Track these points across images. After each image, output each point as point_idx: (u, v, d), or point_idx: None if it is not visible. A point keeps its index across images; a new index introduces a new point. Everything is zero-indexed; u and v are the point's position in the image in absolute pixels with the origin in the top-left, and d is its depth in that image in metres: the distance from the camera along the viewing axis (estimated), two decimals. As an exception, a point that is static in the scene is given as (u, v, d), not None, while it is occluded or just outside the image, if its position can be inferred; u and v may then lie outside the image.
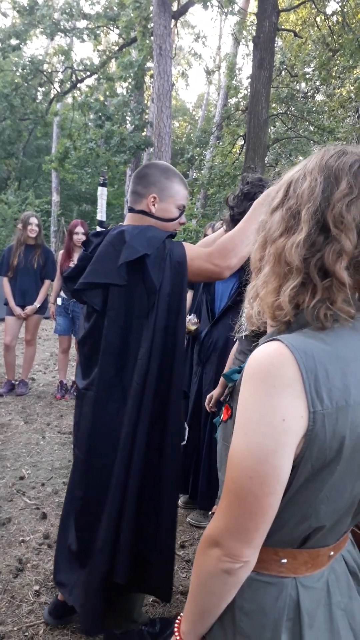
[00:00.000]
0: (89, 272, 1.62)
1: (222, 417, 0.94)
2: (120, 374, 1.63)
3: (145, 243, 1.58)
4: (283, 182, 0.83)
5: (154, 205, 1.73)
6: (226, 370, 2.60)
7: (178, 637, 0.89)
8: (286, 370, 0.71)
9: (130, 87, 9.88)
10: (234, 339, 2.51)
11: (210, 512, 1.04)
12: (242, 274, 2.73)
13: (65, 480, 3.13)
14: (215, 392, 2.61)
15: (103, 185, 3.73)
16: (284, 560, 0.82)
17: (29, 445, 3.65)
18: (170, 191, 1.74)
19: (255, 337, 2.32)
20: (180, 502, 2.99)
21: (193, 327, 2.83)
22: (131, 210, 1.79)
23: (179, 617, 0.91)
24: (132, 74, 9.06)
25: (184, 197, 1.79)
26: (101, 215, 3.75)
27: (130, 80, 9.28)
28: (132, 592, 1.81)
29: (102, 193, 3.73)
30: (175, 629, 0.90)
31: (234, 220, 1.83)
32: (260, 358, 0.73)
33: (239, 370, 0.96)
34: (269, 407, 0.70)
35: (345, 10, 8.88)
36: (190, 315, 2.69)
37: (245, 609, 0.82)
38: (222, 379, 2.62)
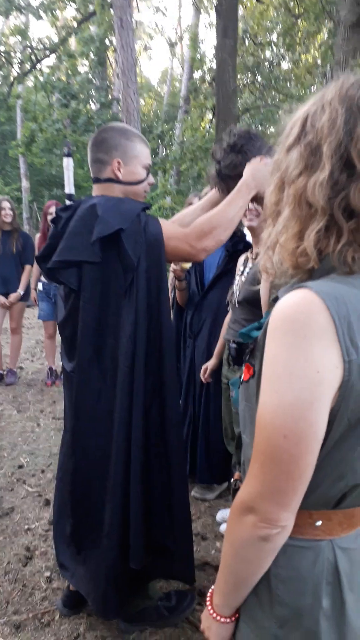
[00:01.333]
0: (61, 249, 1.53)
1: (242, 377, 0.89)
2: (98, 355, 1.57)
3: (119, 217, 1.49)
4: (297, 117, 0.76)
5: (119, 170, 1.63)
6: (219, 343, 2.57)
7: (211, 611, 0.85)
8: (317, 318, 0.65)
9: (92, 63, 9.57)
10: (227, 308, 2.48)
11: (232, 480, 0.99)
12: (230, 243, 2.69)
13: (65, 465, 3.10)
14: (209, 364, 2.58)
15: (68, 155, 3.51)
16: (319, 523, 0.78)
17: (25, 433, 3.60)
18: (134, 151, 1.65)
19: (250, 305, 2.30)
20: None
21: (188, 266, 2.76)
22: (97, 180, 1.68)
23: (210, 591, 0.88)
24: (93, 50, 8.76)
25: (148, 155, 1.70)
26: (69, 188, 3.54)
27: (92, 56, 8.97)
28: (153, 579, 1.79)
29: (68, 164, 3.51)
30: (208, 602, 0.87)
31: (220, 175, 1.75)
32: (287, 308, 0.68)
33: (258, 327, 0.92)
34: (300, 360, 0.65)
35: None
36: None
37: (281, 576, 0.78)
38: (217, 350, 2.59)
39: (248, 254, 2.36)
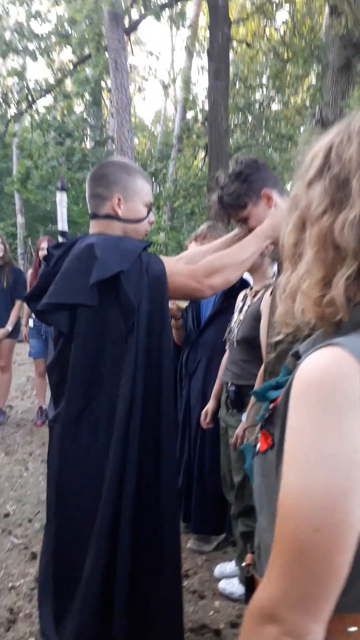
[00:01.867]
0: (53, 291, 1.44)
1: (258, 446, 0.76)
2: (90, 406, 1.45)
3: (119, 257, 1.41)
4: (319, 148, 0.67)
5: (119, 206, 1.57)
6: (216, 385, 2.46)
7: None
8: (352, 384, 0.56)
9: (88, 103, 9.77)
10: (225, 347, 2.38)
11: (244, 564, 0.84)
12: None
13: (54, 514, 2.92)
14: (209, 407, 2.45)
15: (62, 189, 3.42)
16: (353, 629, 0.64)
17: (12, 478, 3.42)
18: (135, 188, 1.59)
19: (248, 345, 2.20)
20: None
21: (184, 305, 2.68)
22: (94, 216, 1.61)
23: None
24: (88, 90, 8.97)
25: (149, 192, 1.65)
26: (62, 225, 3.44)
27: (87, 96, 9.15)
28: None
29: (62, 200, 3.42)
30: None
31: (221, 203, 1.68)
32: (315, 370, 0.58)
33: (276, 386, 0.80)
34: (333, 436, 0.55)
35: (295, 18, 9.05)
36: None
37: None
38: (214, 392, 2.47)
39: (247, 290, 2.29)
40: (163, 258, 1.54)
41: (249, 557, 0.82)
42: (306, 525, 0.56)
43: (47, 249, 1.60)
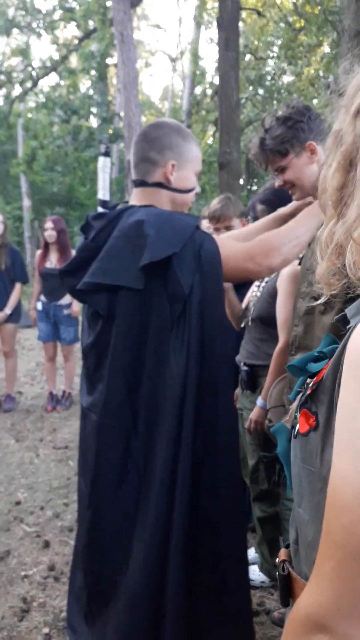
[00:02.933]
0: (96, 270, 1.31)
1: (297, 428, 0.66)
2: (131, 396, 1.33)
3: (171, 237, 1.27)
4: None
5: (172, 174, 1.42)
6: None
7: None
8: None
9: (93, 79, 9.52)
10: (242, 326, 2.24)
11: (278, 560, 0.73)
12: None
13: (66, 501, 2.85)
14: (237, 390, 2.26)
15: (106, 154, 3.12)
16: None
17: (23, 465, 3.35)
18: (189, 155, 1.44)
19: (264, 324, 2.06)
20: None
21: None
22: (142, 183, 1.45)
23: None
24: (94, 65, 8.73)
25: (200, 160, 1.52)
26: (104, 193, 3.16)
27: (93, 72, 8.91)
28: None
29: (105, 165, 3.10)
30: None
31: (262, 145, 1.53)
32: None
33: (318, 357, 0.69)
34: None
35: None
36: None
37: None
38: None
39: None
40: (216, 238, 1.40)
41: (283, 553, 0.73)
42: None
43: (87, 219, 1.46)
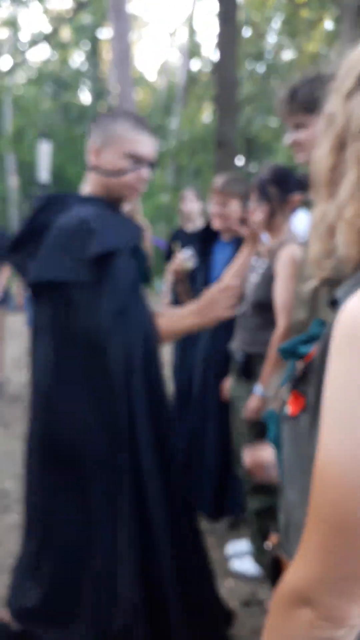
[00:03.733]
0: (39, 267, 1.34)
1: (287, 411, 0.66)
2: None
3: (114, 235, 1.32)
4: (358, 56, 0.60)
5: (97, 156, 1.40)
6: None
7: None
8: None
9: (86, 54, 9.23)
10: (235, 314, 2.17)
11: (267, 544, 0.77)
12: (239, 242, 2.38)
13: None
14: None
15: (44, 136, 3.03)
16: None
17: (11, 454, 3.28)
18: (113, 135, 1.38)
19: (261, 310, 1.99)
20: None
21: (190, 264, 2.44)
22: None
23: None
24: (87, 37, 8.45)
25: (136, 141, 1.38)
26: (44, 174, 3.05)
27: (84, 46, 8.63)
28: None
29: (43, 150, 3.01)
30: None
31: (294, 94, 1.41)
32: None
33: (308, 339, 0.70)
34: None
35: None
36: (185, 250, 2.31)
37: None
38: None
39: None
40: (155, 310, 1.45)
41: (274, 537, 0.76)
42: (351, 495, 0.49)
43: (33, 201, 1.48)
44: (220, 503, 2.40)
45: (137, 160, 1.38)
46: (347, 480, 0.50)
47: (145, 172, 1.41)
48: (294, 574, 0.56)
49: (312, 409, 0.59)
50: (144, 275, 1.55)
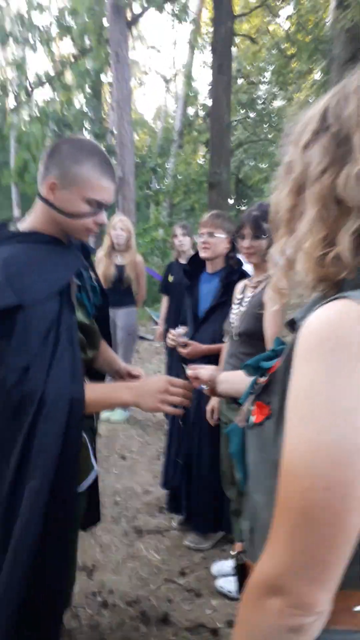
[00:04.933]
0: None
1: (252, 420, 0.73)
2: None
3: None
4: (313, 114, 0.68)
5: (52, 192, 1.28)
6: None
7: None
8: None
9: (87, 96, 9.67)
10: (223, 339, 2.30)
11: (233, 552, 0.81)
12: (224, 273, 2.54)
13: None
14: (213, 403, 2.35)
15: None
16: (359, 608, 0.60)
17: None
18: (76, 178, 1.26)
19: (250, 338, 2.12)
20: (175, 524, 2.74)
21: (183, 340, 2.55)
22: (38, 194, 1.34)
23: None
24: (89, 82, 8.88)
25: (100, 189, 1.29)
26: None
27: (87, 89, 9.04)
28: None
29: None
30: None
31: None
32: (325, 324, 0.56)
33: (271, 356, 0.78)
34: (347, 387, 0.52)
35: (300, 12, 8.99)
36: (178, 328, 2.43)
37: None
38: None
39: (246, 281, 2.21)
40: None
41: (238, 545, 0.78)
42: (314, 485, 0.53)
43: None
44: (220, 517, 2.49)
45: (98, 205, 1.31)
46: (311, 471, 0.53)
47: (103, 216, 1.34)
48: (263, 565, 0.58)
49: (276, 415, 0.64)
50: (94, 307, 1.47)
